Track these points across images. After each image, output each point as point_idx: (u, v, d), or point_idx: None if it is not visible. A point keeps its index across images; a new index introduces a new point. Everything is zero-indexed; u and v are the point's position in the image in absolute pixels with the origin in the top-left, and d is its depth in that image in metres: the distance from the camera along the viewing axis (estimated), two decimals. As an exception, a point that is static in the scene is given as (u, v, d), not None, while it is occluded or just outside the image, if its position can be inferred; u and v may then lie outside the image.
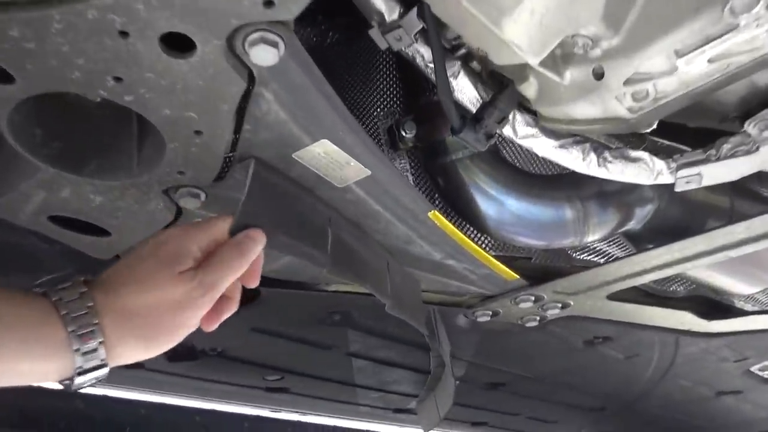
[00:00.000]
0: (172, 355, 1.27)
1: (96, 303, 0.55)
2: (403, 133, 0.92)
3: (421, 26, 0.65)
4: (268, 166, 0.69)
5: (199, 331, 1.19)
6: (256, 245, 0.62)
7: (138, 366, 1.32)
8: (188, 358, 1.28)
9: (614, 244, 1.18)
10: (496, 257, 1.04)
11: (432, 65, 0.72)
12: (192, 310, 0.58)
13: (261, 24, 0.51)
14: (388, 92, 0.97)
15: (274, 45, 0.52)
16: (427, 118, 0.90)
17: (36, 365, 0.52)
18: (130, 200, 0.72)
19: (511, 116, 0.78)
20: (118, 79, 0.54)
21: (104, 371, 0.55)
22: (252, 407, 1.70)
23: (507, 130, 0.79)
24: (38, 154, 0.65)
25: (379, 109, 0.96)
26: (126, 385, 1.45)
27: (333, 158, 0.70)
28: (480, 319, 1.18)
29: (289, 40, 0.53)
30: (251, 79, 0.57)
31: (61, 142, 0.66)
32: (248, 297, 1.07)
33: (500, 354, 1.46)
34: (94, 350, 0.53)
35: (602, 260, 1.19)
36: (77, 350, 0.53)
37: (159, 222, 0.77)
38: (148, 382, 1.42)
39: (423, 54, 0.72)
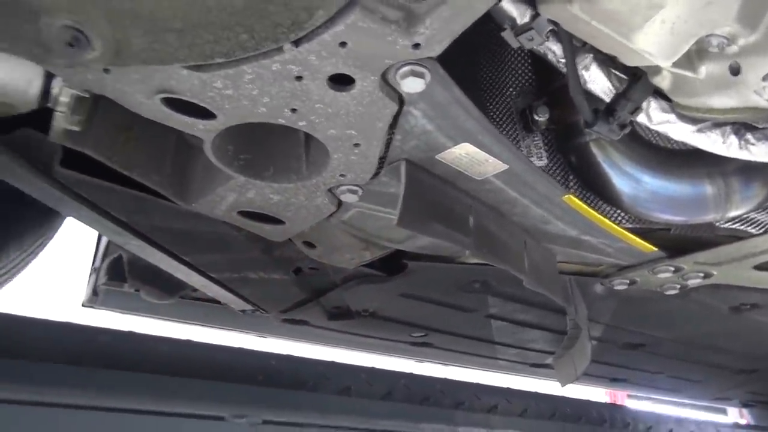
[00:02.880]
0: (332, 314, 1.45)
1: None
2: (536, 117, 0.97)
3: (551, 28, 0.70)
4: (416, 165, 0.78)
5: (353, 294, 1.35)
6: None
7: (303, 322, 1.52)
8: (345, 317, 1.45)
9: (765, 211, 1.14)
10: (633, 230, 1.06)
11: (563, 60, 0.76)
12: None
13: (410, 61, 0.59)
14: (521, 74, 1.01)
15: (422, 76, 0.61)
16: (560, 102, 0.94)
17: None
18: (301, 197, 0.86)
19: (645, 103, 0.79)
20: (293, 110, 0.66)
21: None
22: (399, 358, 1.87)
23: (641, 117, 0.80)
24: (231, 166, 0.79)
25: (512, 89, 1.01)
26: (292, 337, 1.68)
27: (473, 157, 0.77)
28: (617, 287, 1.20)
29: (433, 68, 0.61)
30: (401, 101, 0.66)
31: (248, 155, 0.80)
32: (397, 269, 1.20)
33: (639, 318, 1.47)
34: None
35: (751, 228, 1.15)
36: None
37: (324, 212, 0.90)
38: (311, 335, 1.62)
39: (554, 51, 0.76)
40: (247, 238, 1.04)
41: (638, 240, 1.04)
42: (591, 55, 0.77)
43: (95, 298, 1.38)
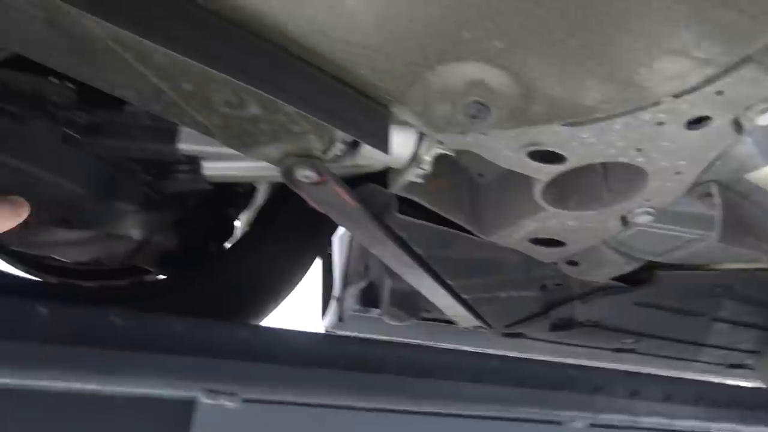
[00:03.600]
0: (555, 326, 1.53)
1: None
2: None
3: None
4: (723, 185, 0.85)
5: (588, 306, 1.40)
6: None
7: (520, 335, 1.60)
8: (566, 328, 1.52)
9: None
10: None
11: None
12: None
13: (775, 99, 0.66)
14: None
15: (780, 110, 0.67)
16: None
17: None
18: (596, 221, 0.94)
19: None
20: (639, 150, 0.75)
21: None
22: (598, 363, 1.91)
23: None
24: (546, 199, 0.89)
25: None
26: (504, 349, 1.77)
27: (782, 173, 0.83)
28: None
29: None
30: (741, 132, 0.73)
31: (556, 188, 0.90)
32: (642, 280, 1.26)
33: None
34: None
35: None
36: None
37: (610, 233, 0.98)
38: (522, 346, 1.71)
39: None
40: (516, 262, 1.15)
41: None
42: None
43: (340, 324, 1.54)
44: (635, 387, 1.73)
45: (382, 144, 0.66)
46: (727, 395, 1.96)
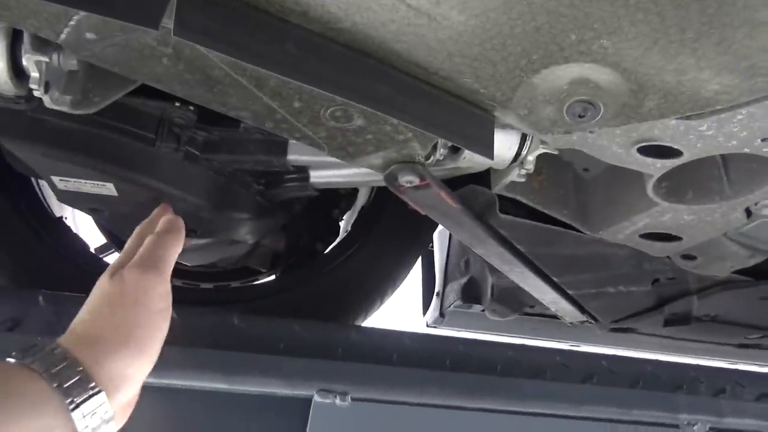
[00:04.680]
0: (669, 321, 1.45)
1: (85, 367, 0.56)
2: None
3: None
4: None
5: (707, 300, 1.32)
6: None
7: (630, 330, 1.54)
8: (682, 323, 1.44)
9: None
10: None
11: None
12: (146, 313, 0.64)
13: None
14: None
15: None
16: None
17: None
18: (717, 215, 0.89)
19: None
20: (764, 140, 0.70)
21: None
22: (721, 361, 1.80)
23: None
24: (659, 194, 0.85)
25: None
26: (609, 344, 1.71)
27: None
28: None
29: None
30: None
31: (669, 181, 0.86)
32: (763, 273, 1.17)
33: None
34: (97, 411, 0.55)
35: None
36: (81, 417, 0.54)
37: (732, 226, 0.92)
38: (632, 341, 1.64)
39: None
40: (624, 257, 1.10)
41: None
42: None
43: (441, 319, 1.55)
44: (721, 385, 1.60)
45: (487, 150, 0.66)
46: None
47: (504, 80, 0.63)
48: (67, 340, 0.59)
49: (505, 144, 0.78)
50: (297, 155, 0.91)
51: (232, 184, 0.92)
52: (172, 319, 0.69)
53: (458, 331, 1.59)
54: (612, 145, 0.73)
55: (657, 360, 1.39)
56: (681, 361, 1.56)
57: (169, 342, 0.68)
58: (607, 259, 1.11)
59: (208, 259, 1.25)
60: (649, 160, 0.75)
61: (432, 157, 0.78)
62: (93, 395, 0.55)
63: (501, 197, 0.95)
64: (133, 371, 0.60)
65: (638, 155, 0.74)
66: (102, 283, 0.66)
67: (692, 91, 0.61)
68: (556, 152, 0.79)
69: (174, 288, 0.68)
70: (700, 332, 1.53)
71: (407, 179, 0.79)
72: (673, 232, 0.95)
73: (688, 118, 0.67)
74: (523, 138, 0.79)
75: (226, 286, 1.38)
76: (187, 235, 0.79)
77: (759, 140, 0.70)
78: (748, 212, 0.89)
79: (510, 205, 1.01)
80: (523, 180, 0.85)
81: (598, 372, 1.08)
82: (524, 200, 0.92)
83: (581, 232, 0.97)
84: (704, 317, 1.42)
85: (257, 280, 1.43)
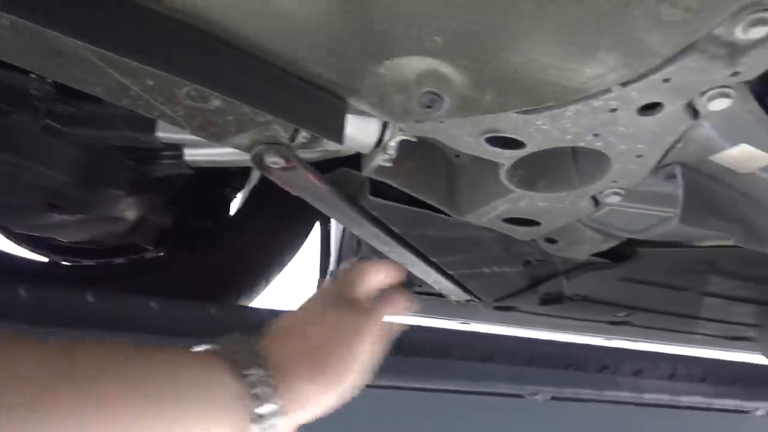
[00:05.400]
0: (544, 300, 1.56)
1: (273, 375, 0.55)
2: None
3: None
4: (688, 166, 0.86)
5: (574, 281, 1.42)
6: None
7: (512, 308, 1.63)
8: (556, 302, 1.55)
9: None
10: None
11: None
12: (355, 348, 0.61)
13: (723, 85, 0.67)
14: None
15: (729, 96, 0.68)
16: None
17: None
18: (566, 202, 0.96)
19: None
20: (596, 135, 0.76)
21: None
22: (594, 337, 1.94)
23: None
24: (512, 182, 0.91)
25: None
26: (496, 322, 1.80)
27: (746, 155, 0.83)
28: None
29: (739, 87, 0.68)
30: (697, 117, 0.74)
31: (523, 170, 0.92)
32: (624, 256, 1.28)
33: None
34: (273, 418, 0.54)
35: None
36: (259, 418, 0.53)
37: (582, 213, 1.00)
38: (515, 319, 1.74)
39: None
40: (493, 239, 1.17)
41: None
42: None
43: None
44: (640, 366, 1.76)
45: (337, 136, 0.69)
46: (732, 372, 1.97)
47: (351, 70, 0.66)
48: (268, 347, 0.58)
49: (366, 130, 0.81)
50: (166, 133, 0.91)
51: (99, 159, 0.91)
52: (20, 296, 0.68)
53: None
54: (463, 135, 0.78)
55: (515, 336, 1.50)
56: (537, 337, 1.68)
57: (17, 320, 0.67)
58: (477, 241, 1.17)
59: (85, 236, 1.22)
60: (498, 150, 0.81)
61: (296, 139, 0.80)
62: (275, 414, 0.53)
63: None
64: (315, 408, 0.57)
65: (487, 145, 0.79)
66: (327, 307, 0.64)
67: (522, 89, 0.66)
68: (415, 139, 0.83)
69: (51, 264, 0.66)
70: (575, 310, 1.65)
71: (272, 160, 0.80)
72: (532, 217, 1.01)
73: (525, 112, 0.72)
74: (384, 125, 0.82)
75: (108, 263, 1.35)
76: (50, 210, 0.77)
77: (590, 135, 0.76)
78: (596, 201, 0.97)
79: (389, 188, 1.04)
80: (389, 165, 0.88)
81: (454, 345, 1.14)
82: (393, 184, 0.96)
83: (450, 215, 1.03)
84: (575, 296, 1.53)
85: (144, 257, 1.41)
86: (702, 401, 1.73)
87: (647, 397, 1.62)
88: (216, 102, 0.70)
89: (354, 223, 1.03)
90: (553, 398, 1.30)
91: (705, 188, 0.86)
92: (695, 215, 0.83)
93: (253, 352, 0.56)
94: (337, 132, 0.69)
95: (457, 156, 1.03)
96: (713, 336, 1.96)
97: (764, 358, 1.90)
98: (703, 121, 0.75)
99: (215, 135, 0.78)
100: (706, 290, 1.45)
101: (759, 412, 1.39)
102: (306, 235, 1.45)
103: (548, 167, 0.92)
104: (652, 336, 1.99)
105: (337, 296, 0.66)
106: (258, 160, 0.81)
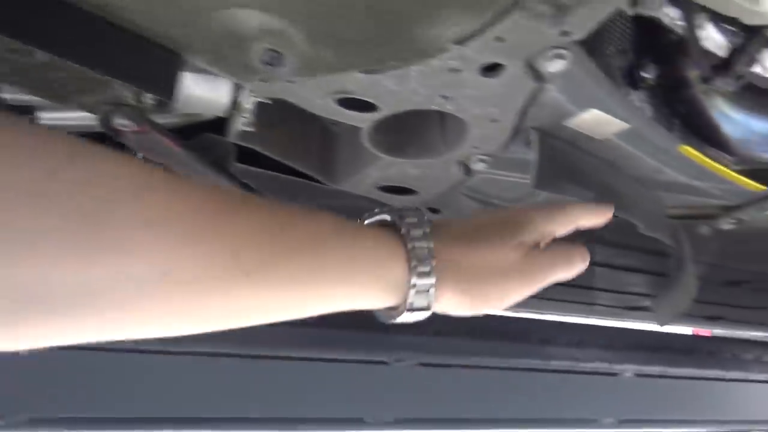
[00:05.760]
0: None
1: (433, 246, 0.56)
2: (643, 74, 1.03)
3: (670, -5, 0.76)
4: (545, 132, 0.87)
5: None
6: (582, 266, 0.69)
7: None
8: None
9: None
10: (742, 171, 1.11)
11: (678, 22, 0.82)
12: (514, 285, 0.60)
13: (556, 45, 0.68)
14: (623, 35, 1.06)
15: (564, 57, 0.69)
16: (668, 59, 0.99)
17: (372, 295, 0.53)
18: (437, 169, 0.97)
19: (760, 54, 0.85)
20: (444, 97, 0.76)
21: (426, 314, 0.56)
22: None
23: (757, 67, 0.86)
24: (379, 148, 0.91)
25: (614, 49, 1.07)
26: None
27: (597, 120, 0.85)
28: (724, 227, 1.26)
29: (573, 49, 0.70)
30: (542, 79, 0.75)
31: (391, 136, 0.91)
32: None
33: (746, 255, 1.52)
34: (426, 291, 0.54)
35: None
36: (413, 286, 0.54)
37: (454, 181, 1.00)
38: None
39: (669, 14, 0.83)
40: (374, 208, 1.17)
41: (746, 180, 1.10)
42: (705, 14, 0.83)
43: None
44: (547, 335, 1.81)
45: (167, 93, 0.66)
46: (632, 339, 2.07)
47: (182, 23, 0.63)
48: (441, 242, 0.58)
49: (216, 90, 0.78)
50: (11, 94, 0.85)
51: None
52: None
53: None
54: (314, 97, 0.77)
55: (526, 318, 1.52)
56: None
57: None
58: (355, 210, 1.16)
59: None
60: (352, 113, 0.80)
61: (143, 101, 0.77)
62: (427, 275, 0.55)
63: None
64: (456, 310, 0.59)
65: (340, 107, 0.78)
66: (512, 250, 0.61)
67: (361, 48, 0.65)
68: (269, 102, 0.81)
69: None
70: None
71: (121, 123, 0.77)
72: (407, 185, 1.02)
73: (370, 72, 0.71)
74: (238, 86, 0.79)
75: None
76: None
77: (440, 98, 0.76)
78: (468, 168, 0.97)
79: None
80: (251, 129, 0.86)
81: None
82: (263, 150, 0.94)
83: (325, 184, 1.01)
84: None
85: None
86: (606, 367, 1.80)
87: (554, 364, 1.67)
88: (40, 55, 0.66)
89: (227, 192, 1.00)
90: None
91: (562, 154, 0.88)
92: (550, 181, 0.85)
93: (428, 247, 0.56)
94: (167, 89, 0.66)
95: (334, 123, 1.02)
96: (613, 307, 2.04)
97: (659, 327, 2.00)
98: (548, 85, 0.76)
99: (55, 95, 0.74)
100: (595, 260, 1.49)
101: (627, 374, 1.46)
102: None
103: (416, 133, 0.92)
104: (557, 308, 2.05)
105: (516, 224, 0.65)
106: (105, 122, 0.77)
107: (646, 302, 2.00)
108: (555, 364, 1.36)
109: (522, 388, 1.37)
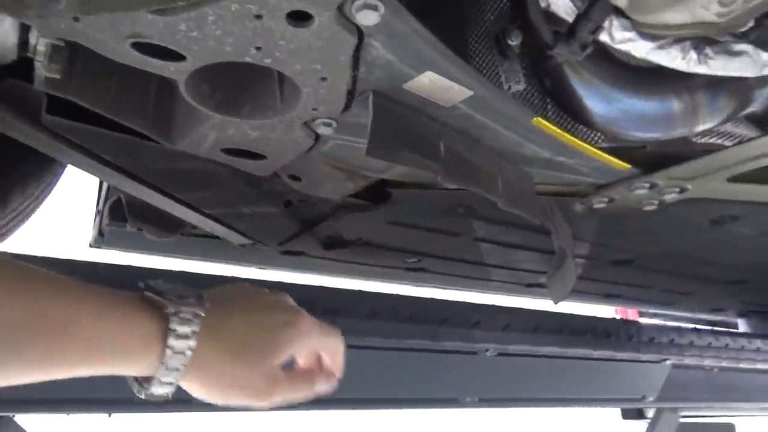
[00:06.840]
0: (326, 244, 1.52)
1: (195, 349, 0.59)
2: (509, 41, 0.98)
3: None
4: (384, 95, 0.81)
5: (344, 224, 1.39)
6: (328, 387, 0.72)
7: (301, 253, 1.59)
8: (339, 246, 1.51)
9: (741, 125, 1.16)
10: (610, 149, 1.09)
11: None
12: (244, 398, 0.64)
13: (363, -6, 0.61)
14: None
15: (375, 8, 0.63)
16: (532, 26, 0.95)
17: (121, 371, 0.58)
18: (279, 132, 0.90)
19: (607, 22, 0.81)
20: (258, 48, 0.69)
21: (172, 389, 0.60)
22: (397, 284, 1.95)
23: (603, 36, 0.82)
24: (207, 105, 0.83)
25: (489, 14, 1.02)
26: (292, 268, 1.75)
27: (438, 85, 0.80)
28: (596, 206, 1.25)
29: (387, 1, 0.63)
30: (360, 34, 0.68)
31: (223, 93, 0.84)
32: (381, 197, 1.25)
33: (624, 235, 1.52)
34: (171, 383, 0.59)
35: (727, 142, 1.18)
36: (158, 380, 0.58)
37: (302, 145, 0.94)
38: (309, 264, 1.70)
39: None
40: (232, 174, 1.09)
41: (611, 158, 1.08)
42: (552, -23, 0.78)
43: (101, 239, 1.45)
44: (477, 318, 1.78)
45: None
46: (559, 323, 2.07)
47: None
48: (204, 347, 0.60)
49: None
50: None
51: None
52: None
53: (122, 252, 1.51)
54: (107, 40, 0.68)
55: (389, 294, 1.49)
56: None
57: None
58: (211, 176, 1.08)
59: None
60: (156, 61, 0.71)
61: None
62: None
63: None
64: (216, 379, 0.63)
65: (138, 54, 0.70)
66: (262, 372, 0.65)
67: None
68: (61, 43, 0.71)
69: None
70: (365, 256, 1.63)
71: None
72: (250, 148, 0.94)
73: (160, 12, 0.63)
74: (24, 25, 0.70)
75: None
76: None
77: (253, 49, 0.69)
78: (314, 133, 0.91)
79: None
80: (56, 76, 0.77)
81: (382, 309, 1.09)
82: (83, 103, 0.84)
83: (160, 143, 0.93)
84: (357, 241, 1.51)
85: None
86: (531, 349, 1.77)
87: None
88: None
89: (47, 147, 0.91)
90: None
91: (399, 119, 0.83)
92: (384, 147, 0.79)
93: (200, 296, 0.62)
94: None
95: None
96: (511, 283, 2.04)
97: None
98: (372, 41, 0.70)
99: None
100: (477, 236, 1.47)
101: (489, 353, 1.46)
102: (56, 172, 1.30)
103: (251, 92, 0.85)
104: (455, 284, 2.04)
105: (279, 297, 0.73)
106: None
107: (542, 279, 2.01)
108: (416, 343, 1.34)
109: (382, 367, 1.35)
